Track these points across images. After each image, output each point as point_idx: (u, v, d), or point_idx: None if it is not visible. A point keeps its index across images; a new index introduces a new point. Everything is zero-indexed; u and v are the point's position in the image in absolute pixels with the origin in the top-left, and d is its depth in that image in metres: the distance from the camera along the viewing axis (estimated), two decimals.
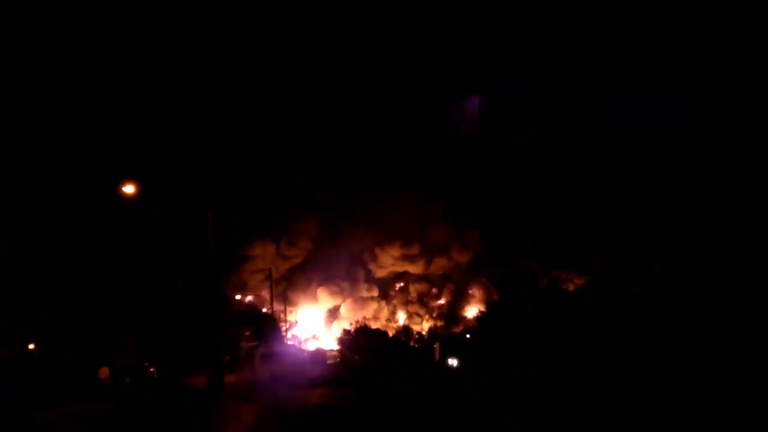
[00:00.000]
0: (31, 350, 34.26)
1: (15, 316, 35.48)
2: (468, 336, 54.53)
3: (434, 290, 70.02)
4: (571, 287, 56.19)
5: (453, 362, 36.78)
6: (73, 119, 49.92)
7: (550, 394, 22.94)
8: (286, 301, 64.10)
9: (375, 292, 70.24)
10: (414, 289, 70.70)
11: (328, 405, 23.12)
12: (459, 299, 69.09)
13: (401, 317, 68.46)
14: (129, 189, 27.74)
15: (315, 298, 69.41)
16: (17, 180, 42.47)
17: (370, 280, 71.42)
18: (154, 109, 61.01)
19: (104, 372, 28.55)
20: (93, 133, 53.24)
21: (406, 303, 70.08)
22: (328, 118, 66.57)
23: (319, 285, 69.42)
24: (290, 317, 64.34)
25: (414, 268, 71.57)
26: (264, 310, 61.51)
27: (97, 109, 53.87)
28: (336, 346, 58.75)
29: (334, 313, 69.08)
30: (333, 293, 69.15)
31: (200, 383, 30.98)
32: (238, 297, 63.10)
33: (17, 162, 43.95)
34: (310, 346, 61.64)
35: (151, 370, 37.73)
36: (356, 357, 47.95)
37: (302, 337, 65.08)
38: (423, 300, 69.56)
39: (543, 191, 65.51)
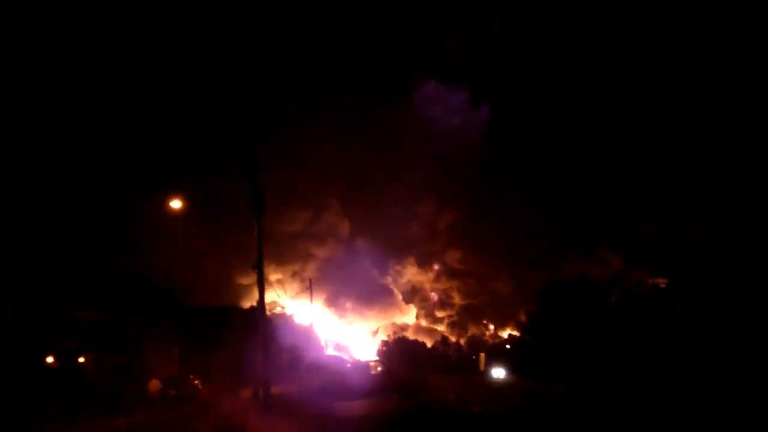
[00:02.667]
0: (81, 363, 34.86)
1: (64, 330, 36.06)
2: (508, 347, 54.18)
3: (455, 298, 69.93)
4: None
5: (498, 373, 36.20)
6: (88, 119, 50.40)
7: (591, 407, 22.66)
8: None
9: (399, 301, 70.33)
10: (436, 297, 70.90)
11: (372, 416, 23.12)
12: (491, 307, 68.73)
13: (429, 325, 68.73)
14: (176, 204, 27.83)
15: (336, 304, 69.54)
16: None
17: (395, 287, 71.70)
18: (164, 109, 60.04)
19: (155, 385, 28.92)
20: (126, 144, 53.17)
21: (431, 310, 70.23)
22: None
23: (341, 292, 69.45)
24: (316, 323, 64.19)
25: (432, 282, 71.86)
26: (302, 319, 61.78)
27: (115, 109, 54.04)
28: (361, 353, 59.27)
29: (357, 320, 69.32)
30: (356, 301, 69.32)
31: (246, 395, 31.21)
32: (278, 309, 63.36)
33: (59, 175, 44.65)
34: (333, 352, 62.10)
35: (196, 382, 38.04)
36: (396, 368, 47.90)
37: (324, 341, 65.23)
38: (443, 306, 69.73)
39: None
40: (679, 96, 57.97)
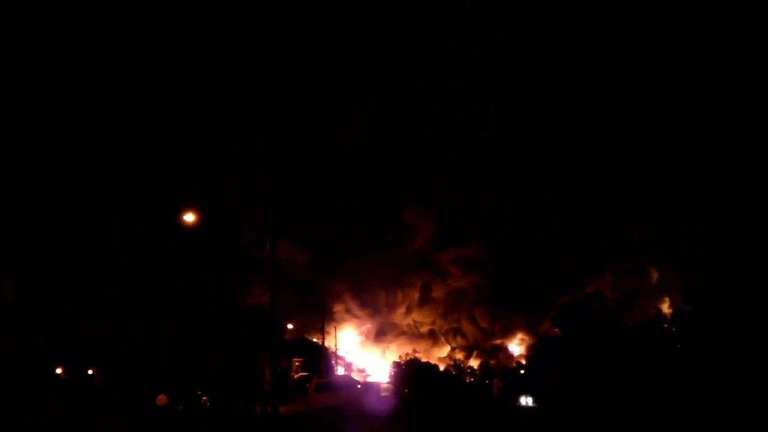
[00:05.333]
0: (90, 375, 34.59)
1: (73, 341, 35.86)
2: (522, 372, 53.16)
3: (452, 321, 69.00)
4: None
5: (527, 401, 34.46)
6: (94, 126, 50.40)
7: None
8: (335, 330, 63.85)
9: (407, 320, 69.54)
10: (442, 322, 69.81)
11: None
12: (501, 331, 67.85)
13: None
14: (190, 218, 27.44)
15: (347, 321, 68.86)
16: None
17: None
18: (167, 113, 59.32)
19: (162, 399, 28.57)
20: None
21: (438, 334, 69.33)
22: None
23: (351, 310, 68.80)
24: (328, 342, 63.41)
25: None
26: (314, 339, 61.32)
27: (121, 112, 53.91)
28: (373, 373, 58.64)
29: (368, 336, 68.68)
30: (365, 317, 68.73)
31: (254, 412, 30.73)
32: (290, 326, 62.80)
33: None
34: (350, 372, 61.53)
35: (204, 399, 37.60)
36: (407, 391, 47.11)
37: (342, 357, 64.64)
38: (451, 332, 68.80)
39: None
40: (679, 96, 58.08)
